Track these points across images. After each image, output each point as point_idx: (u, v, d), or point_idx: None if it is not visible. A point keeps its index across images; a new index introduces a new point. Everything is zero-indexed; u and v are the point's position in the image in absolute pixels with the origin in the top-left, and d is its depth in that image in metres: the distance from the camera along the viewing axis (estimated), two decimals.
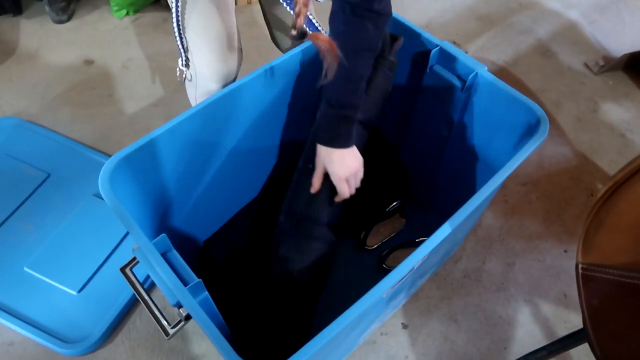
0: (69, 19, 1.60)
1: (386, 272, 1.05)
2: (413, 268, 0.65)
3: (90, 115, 1.36)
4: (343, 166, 0.77)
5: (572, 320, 1.05)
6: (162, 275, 0.61)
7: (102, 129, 1.32)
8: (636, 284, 0.41)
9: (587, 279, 0.44)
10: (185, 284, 0.61)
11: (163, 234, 0.64)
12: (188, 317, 0.63)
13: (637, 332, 0.44)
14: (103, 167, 0.68)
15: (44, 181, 1.17)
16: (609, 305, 0.44)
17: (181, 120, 0.76)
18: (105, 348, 0.98)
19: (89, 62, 1.49)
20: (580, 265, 0.44)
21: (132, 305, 1.03)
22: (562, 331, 1.04)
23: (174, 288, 0.60)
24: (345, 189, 0.79)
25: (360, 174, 0.81)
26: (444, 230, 0.66)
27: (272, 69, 0.83)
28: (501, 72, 1.55)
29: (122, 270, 0.66)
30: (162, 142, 0.75)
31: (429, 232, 0.84)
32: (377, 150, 1.13)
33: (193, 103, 1.03)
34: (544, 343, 1.02)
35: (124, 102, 1.40)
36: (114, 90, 1.42)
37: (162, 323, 0.63)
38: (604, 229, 0.41)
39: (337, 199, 0.83)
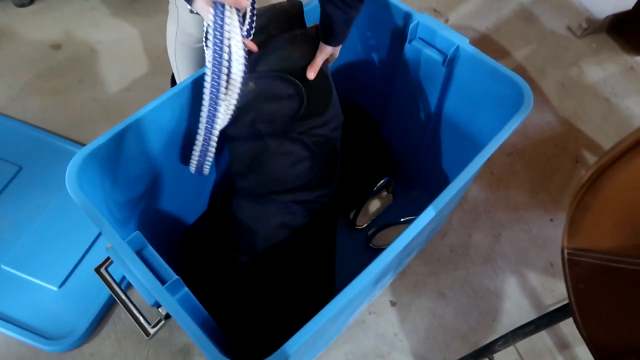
0: (31, 2, 1.52)
1: (373, 251, 1.06)
2: (400, 251, 0.64)
3: (60, 103, 1.30)
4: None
5: (559, 289, 1.06)
6: (138, 275, 0.59)
7: (74, 118, 1.28)
8: (623, 267, 0.40)
9: (573, 264, 0.43)
10: (162, 282, 0.59)
11: (137, 232, 0.61)
12: (168, 316, 0.61)
13: (623, 316, 0.43)
14: (69, 165, 0.64)
15: (15, 175, 1.13)
16: (595, 289, 0.43)
17: (154, 106, 0.72)
18: (90, 343, 0.97)
19: (55, 47, 1.43)
20: (565, 250, 0.43)
21: None
22: (549, 300, 1.04)
23: (151, 288, 0.58)
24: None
25: None
26: (430, 213, 0.64)
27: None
28: (483, 40, 1.52)
29: (97, 270, 0.64)
30: (134, 130, 0.71)
31: (416, 207, 0.82)
32: (359, 127, 1.10)
33: (171, 46, 0.95)
34: (531, 313, 1.03)
35: (95, 87, 1.34)
36: (84, 76, 1.37)
37: (142, 323, 0.61)
38: (590, 214, 0.40)
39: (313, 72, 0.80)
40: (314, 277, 0.88)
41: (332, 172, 0.87)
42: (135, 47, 1.43)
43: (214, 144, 0.75)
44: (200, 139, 0.74)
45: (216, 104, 0.69)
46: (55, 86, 1.34)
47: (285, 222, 0.84)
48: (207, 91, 0.68)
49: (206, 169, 0.79)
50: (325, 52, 0.77)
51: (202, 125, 0.72)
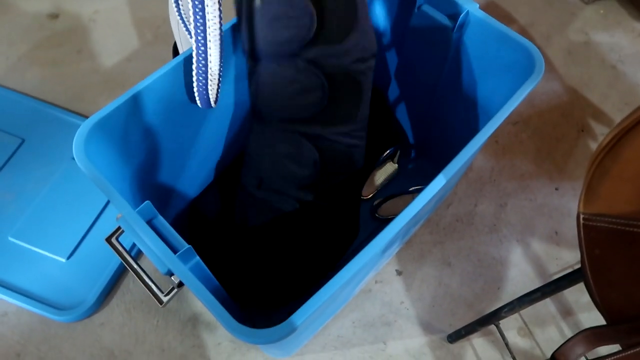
0: None
1: (379, 221, 1.06)
2: (410, 219, 0.64)
3: (60, 74, 1.28)
4: None
5: (564, 257, 1.07)
6: (150, 244, 0.59)
7: (75, 89, 1.26)
8: None
9: (589, 229, 0.43)
10: (174, 251, 0.59)
11: (147, 202, 0.61)
12: (181, 284, 0.62)
13: (637, 280, 0.43)
14: (76, 134, 0.64)
15: (18, 147, 1.12)
16: (610, 254, 0.43)
17: (159, 75, 0.71)
18: (100, 312, 0.98)
19: (52, 17, 1.40)
20: (582, 216, 0.43)
21: (124, 268, 1.02)
22: (554, 268, 1.05)
23: (163, 257, 0.58)
24: None
25: None
26: (440, 181, 0.64)
27: None
28: (489, 6, 1.49)
29: (108, 240, 0.64)
30: (139, 100, 0.71)
31: (422, 177, 0.80)
32: None
33: (173, 13, 0.92)
34: (536, 281, 1.04)
35: (95, 58, 1.32)
36: (83, 46, 1.34)
37: (154, 291, 0.61)
38: (609, 179, 0.39)
39: None
40: (328, 221, 0.85)
41: (352, 110, 0.79)
42: (134, 16, 1.41)
43: (216, 67, 0.68)
44: (194, 57, 0.69)
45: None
46: (53, 57, 1.32)
47: (292, 153, 0.80)
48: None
49: (212, 98, 0.73)
50: None
51: (195, 43, 0.66)
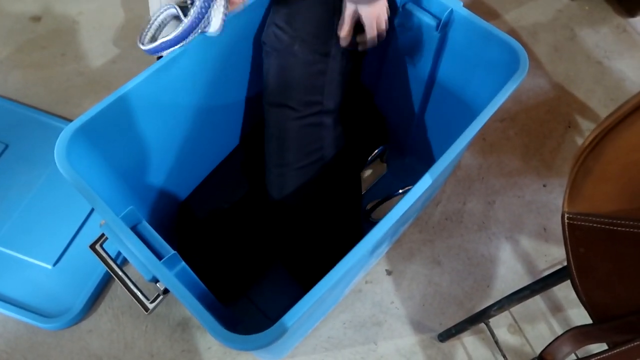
0: None
1: (373, 224, 1.06)
2: (397, 220, 0.64)
3: (44, 77, 1.27)
4: (377, 6, 0.77)
5: (552, 254, 1.07)
6: (134, 250, 0.58)
7: (59, 92, 1.24)
8: (623, 231, 0.40)
9: (574, 228, 0.43)
10: (159, 257, 0.58)
11: (131, 207, 0.60)
12: (166, 291, 0.61)
13: (622, 278, 0.43)
14: (58, 140, 0.62)
15: (2, 152, 1.10)
16: (595, 252, 0.43)
17: (145, 77, 0.70)
18: (88, 319, 0.97)
19: (35, 19, 1.38)
20: (566, 215, 0.43)
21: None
22: (543, 265, 1.06)
23: (148, 263, 0.57)
24: (374, 28, 0.79)
25: (385, 15, 0.80)
26: (426, 181, 0.64)
27: (236, 16, 0.76)
28: (475, 3, 1.49)
29: (92, 247, 0.63)
30: (125, 102, 0.69)
31: (410, 176, 0.80)
32: (352, 96, 1.09)
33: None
34: (525, 278, 1.04)
35: (79, 60, 1.30)
36: (67, 49, 1.32)
37: (140, 299, 0.61)
38: (591, 178, 0.39)
39: (362, 44, 0.82)
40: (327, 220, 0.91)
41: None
42: (118, 17, 1.39)
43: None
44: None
45: None
46: (37, 60, 1.30)
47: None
48: None
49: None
50: (349, 11, 0.75)
51: None
